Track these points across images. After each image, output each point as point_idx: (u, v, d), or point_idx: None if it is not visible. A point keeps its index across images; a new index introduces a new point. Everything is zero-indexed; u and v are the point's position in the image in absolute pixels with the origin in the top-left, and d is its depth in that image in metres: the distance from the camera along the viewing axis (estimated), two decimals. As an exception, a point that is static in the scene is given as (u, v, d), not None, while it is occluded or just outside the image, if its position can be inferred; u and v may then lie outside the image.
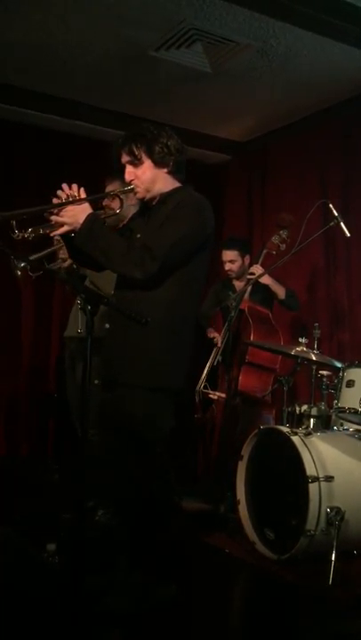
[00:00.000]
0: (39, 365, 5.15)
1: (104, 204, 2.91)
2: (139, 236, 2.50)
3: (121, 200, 2.61)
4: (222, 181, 5.82)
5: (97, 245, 2.39)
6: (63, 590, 2.39)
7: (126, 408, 2.42)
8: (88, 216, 2.39)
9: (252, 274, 4.15)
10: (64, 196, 2.40)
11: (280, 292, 4.23)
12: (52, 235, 2.43)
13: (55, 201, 2.40)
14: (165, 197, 2.50)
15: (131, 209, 3.21)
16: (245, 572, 3.05)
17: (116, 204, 2.94)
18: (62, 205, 2.38)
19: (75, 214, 2.38)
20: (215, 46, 3.89)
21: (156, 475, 2.49)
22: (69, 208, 2.38)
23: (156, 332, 2.37)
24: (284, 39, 3.76)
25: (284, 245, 4.15)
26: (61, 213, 2.38)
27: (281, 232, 4.19)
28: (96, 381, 2.53)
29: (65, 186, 2.42)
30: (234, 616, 2.69)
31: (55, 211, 2.38)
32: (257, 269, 4.16)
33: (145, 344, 2.40)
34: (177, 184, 2.53)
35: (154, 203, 2.53)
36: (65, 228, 2.40)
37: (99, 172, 3.49)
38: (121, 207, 2.61)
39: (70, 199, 2.39)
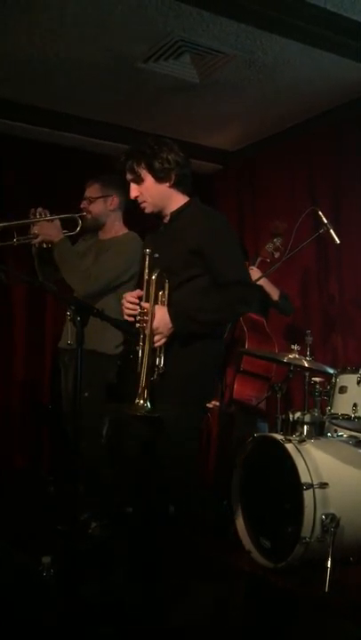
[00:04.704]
0: (33, 376, 5.12)
1: (82, 206, 3.33)
2: (157, 255, 2.49)
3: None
4: (213, 190, 5.83)
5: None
6: (59, 602, 2.38)
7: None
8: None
9: None
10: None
11: (274, 293, 4.22)
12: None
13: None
14: (176, 215, 2.56)
15: (110, 214, 3.41)
16: (242, 581, 3.03)
17: (95, 208, 3.20)
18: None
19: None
20: (203, 57, 3.91)
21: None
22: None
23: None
24: (270, 50, 3.78)
25: (278, 253, 4.15)
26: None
27: (275, 240, 4.19)
28: (86, 394, 2.53)
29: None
30: (232, 625, 2.68)
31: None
32: (252, 272, 4.16)
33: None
34: (182, 197, 2.58)
35: (165, 221, 2.59)
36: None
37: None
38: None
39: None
